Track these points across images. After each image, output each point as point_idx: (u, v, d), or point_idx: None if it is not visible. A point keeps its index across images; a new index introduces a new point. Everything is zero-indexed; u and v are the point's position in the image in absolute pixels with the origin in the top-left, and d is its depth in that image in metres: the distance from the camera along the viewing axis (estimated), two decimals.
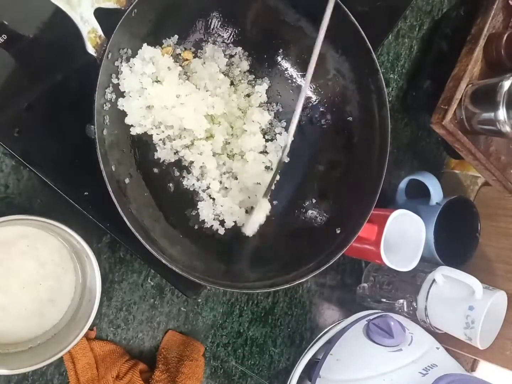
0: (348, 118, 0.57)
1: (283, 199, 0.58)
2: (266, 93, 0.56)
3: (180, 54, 0.52)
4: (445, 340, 0.65)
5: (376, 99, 0.54)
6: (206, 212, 0.53)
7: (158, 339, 0.57)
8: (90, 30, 0.42)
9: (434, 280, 0.65)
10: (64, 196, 0.48)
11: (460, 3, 0.71)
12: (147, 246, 0.43)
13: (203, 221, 0.53)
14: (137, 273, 0.55)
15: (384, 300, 0.69)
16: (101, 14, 0.43)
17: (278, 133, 0.57)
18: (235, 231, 0.54)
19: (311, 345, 0.59)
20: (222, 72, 0.53)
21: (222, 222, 0.54)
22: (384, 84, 0.53)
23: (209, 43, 0.54)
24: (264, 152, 0.56)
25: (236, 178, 0.55)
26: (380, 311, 0.62)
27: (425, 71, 0.73)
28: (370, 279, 0.72)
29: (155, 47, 0.49)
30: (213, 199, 0.53)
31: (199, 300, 0.59)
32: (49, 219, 0.43)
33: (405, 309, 0.67)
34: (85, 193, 0.49)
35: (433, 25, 0.74)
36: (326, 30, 0.47)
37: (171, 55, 0.50)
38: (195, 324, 0.59)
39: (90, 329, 0.52)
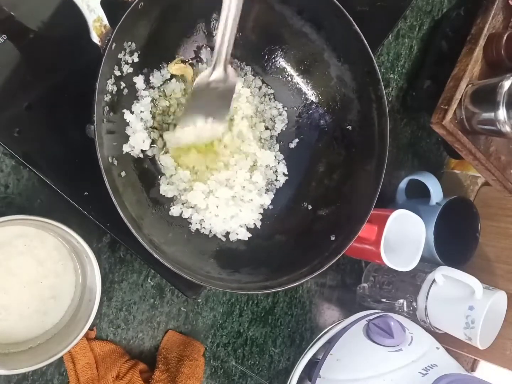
0: (347, 127, 0.57)
1: (279, 202, 0.58)
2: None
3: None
4: (445, 340, 0.65)
5: (376, 108, 0.54)
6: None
7: (158, 339, 0.57)
8: (95, 18, 0.42)
9: (434, 280, 0.65)
10: (64, 196, 0.48)
11: (460, 3, 0.71)
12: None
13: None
14: (137, 273, 0.55)
15: (384, 300, 0.69)
16: (108, 4, 0.43)
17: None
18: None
19: (311, 345, 0.59)
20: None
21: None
22: (384, 93, 0.53)
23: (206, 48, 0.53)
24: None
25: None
26: (380, 311, 0.62)
27: (425, 71, 0.73)
28: (370, 279, 0.72)
29: (161, 65, 0.50)
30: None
31: (199, 300, 0.59)
32: (49, 219, 0.43)
33: (405, 309, 0.67)
34: (85, 193, 0.49)
35: (433, 25, 0.74)
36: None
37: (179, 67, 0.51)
38: (195, 324, 0.59)
39: (90, 329, 0.52)
